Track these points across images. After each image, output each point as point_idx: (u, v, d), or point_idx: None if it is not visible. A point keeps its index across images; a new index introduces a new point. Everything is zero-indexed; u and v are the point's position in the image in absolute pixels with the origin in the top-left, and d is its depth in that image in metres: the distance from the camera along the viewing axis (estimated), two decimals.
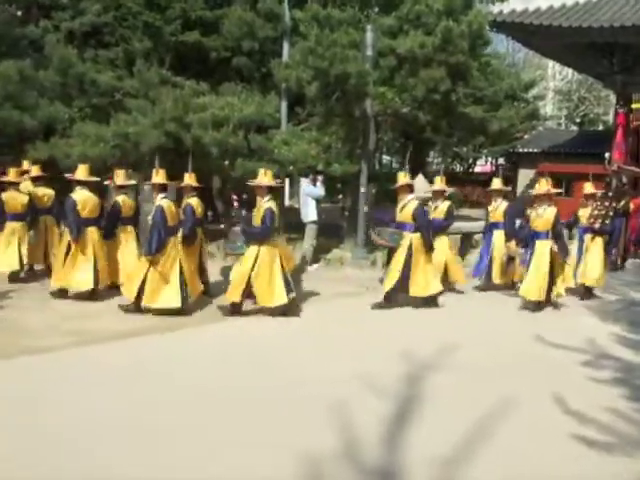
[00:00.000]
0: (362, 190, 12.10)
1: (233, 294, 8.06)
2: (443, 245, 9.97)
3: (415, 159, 17.49)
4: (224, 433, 4.64)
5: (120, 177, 9.60)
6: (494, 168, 36.40)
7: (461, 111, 14.18)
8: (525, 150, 26.39)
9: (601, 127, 36.15)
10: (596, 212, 10.44)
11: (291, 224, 12.83)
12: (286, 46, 13.00)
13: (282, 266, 8.13)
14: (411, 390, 5.64)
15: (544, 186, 9.30)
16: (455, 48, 11.22)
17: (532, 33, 21.90)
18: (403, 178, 9.21)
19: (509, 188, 11.59)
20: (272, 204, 8.08)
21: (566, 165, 21.95)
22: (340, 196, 17.96)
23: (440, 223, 10.04)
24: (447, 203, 10.38)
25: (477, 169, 38.09)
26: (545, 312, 9.13)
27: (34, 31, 14.88)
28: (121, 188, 9.56)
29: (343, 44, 10.88)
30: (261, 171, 8.43)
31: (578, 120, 40.32)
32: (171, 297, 8.05)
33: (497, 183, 10.86)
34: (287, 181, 16.65)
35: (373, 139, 12.93)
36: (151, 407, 5.03)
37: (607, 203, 10.69)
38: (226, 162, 11.71)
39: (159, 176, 8.48)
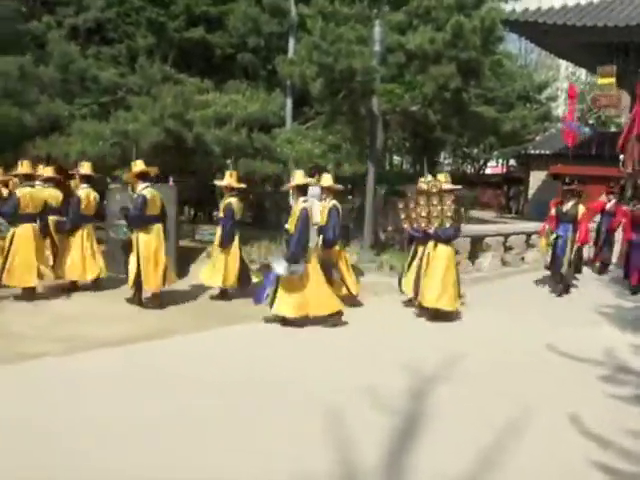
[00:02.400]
0: (369, 191, 11.67)
1: None
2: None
3: (426, 159, 17.05)
4: (218, 441, 4.36)
5: (85, 167, 9.32)
6: (505, 170, 35.96)
7: (472, 110, 13.76)
8: (537, 152, 25.94)
9: (614, 129, 35.57)
10: (431, 212, 8.37)
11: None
12: (292, 42, 12.66)
13: None
14: (416, 404, 5.24)
15: None
16: (466, 44, 10.81)
17: (545, 32, 21.51)
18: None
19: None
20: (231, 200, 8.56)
21: (579, 167, 21.46)
22: (350, 197, 17.61)
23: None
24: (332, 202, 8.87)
25: (488, 171, 37.62)
26: (559, 318, 8.71)
27: (37, 27, 14.59)
28: (84, 179, 9.26)
29: (349, 39, 10.50)
30: (227, 172, 8.65)
31: (591, 122, 39.73)
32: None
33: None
34: None
35: (381, 139, 12.54)
36: (142, 416, 4.66)
37: (447, 201, 8.38)
38: (228, 161, 11.32)
39: (138, 165, 8.47)
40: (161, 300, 8.43)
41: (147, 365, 6.01)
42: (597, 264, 13.68)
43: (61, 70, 13.00)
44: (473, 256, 11.87)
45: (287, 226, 7.81)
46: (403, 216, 8.79)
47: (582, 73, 41.44)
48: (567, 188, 11.18)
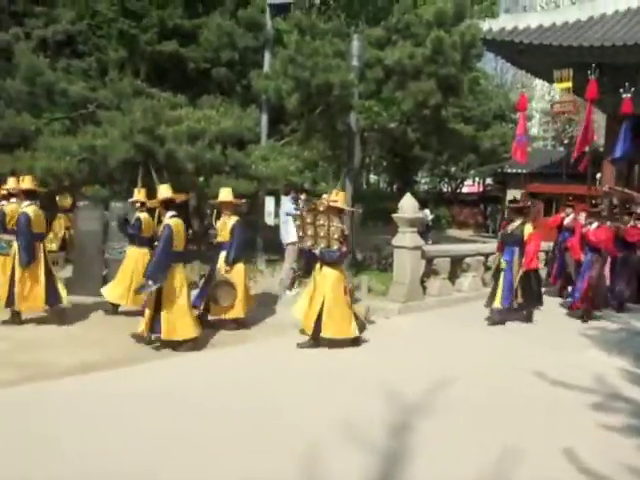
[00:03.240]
0: (347, 210, 11.26)
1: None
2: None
3: (403, 178, 16.85)
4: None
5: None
6: (482, 188, 36.00)
7: (452, 127, 13.54)
8: (513, 170, 25.95)
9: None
10: (318, 232, 7.64)
11: (273, 245, 12.07)
12: (267, 57, 12.35)
13: None
14: (399, 440, 4.85)
15: None
16: (446, 59, 10.58)
17: (521, 52, 21.51)
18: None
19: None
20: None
21: (555, 185, 21.42)
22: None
23: None
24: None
25: (464, 189, 37.63)
26: (547, 341, 8.40)
27: (3, 38, 14.12)
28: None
29: (327, 53, 10.22)
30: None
31: (566, 141, 40.05)
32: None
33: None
34: (268, 199, 15.87)
35: (358, 156, 12.24)
36: (102, 452, 4.22)
37: (334, 221, 7.60)
38: (201, 178, 10.91)
39: (25, 182, 8.22)
40: None
41: (102, 394, 5.56)
42: (557, 285, 12.41)
43: (28, 83, 12.52)
44: (453, 276, 11.55)
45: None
46: (300, 233, 7.94)
47: (556, 93, 41.85)
48: (512, 206, 10.16)
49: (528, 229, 9.66)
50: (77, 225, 10.83)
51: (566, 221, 12.43)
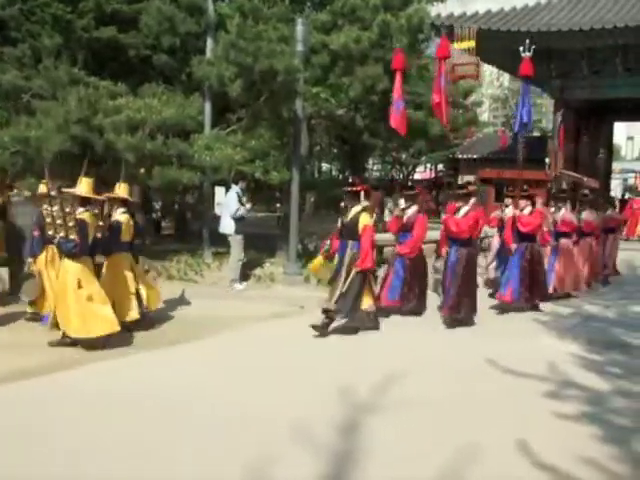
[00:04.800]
0: (294, 199, 11.00)
1: None
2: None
3: (354, 165, 16.63)
4: None
5: None
6: (433, 175, 36.12)
7: None
8: (465, 156, 26.07)
9: (537, 134, 36.33)
10: (55, 219, 6.93)
11: (222, 236, 11.70)
12: (210, 43, 11.94)
13: None
14: (351, 439, 4.61)
15: None
16: (393, 44, 10.34)
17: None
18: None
19: None
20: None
21: (506, 171, 21.53)
22: (278, 205, 16.96)
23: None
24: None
25: (417, 176, 37.68)
26: (497, 330, 8.28)
27: None
28: None
29: (270, 38, 9.86)
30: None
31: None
32: None
33: None
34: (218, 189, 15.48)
35: (306, 144, 11.91)
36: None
37: (68, 209, 6.92)
38: (142, 170, 10.47)
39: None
40: None
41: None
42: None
43: None
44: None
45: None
46: (48, 220, 7.17)
47: (506, 79, 42.33)
48: (348, 190, 8.14)
49: (364, 219, 7.85)
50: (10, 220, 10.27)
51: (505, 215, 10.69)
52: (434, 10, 20.26)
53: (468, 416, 5.20)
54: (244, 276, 11.02)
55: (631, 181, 33.53)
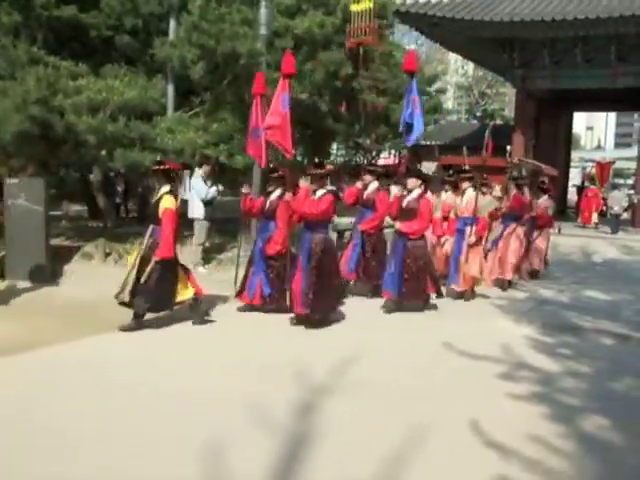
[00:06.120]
0: (255, 184, 10.87)
1: None
2: None
3: (317, 150, 16.63)
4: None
5: None
6: (397, 161, 36.29)
7: (363, 98, 13.39)
8: (427, 143, 26.27)
9: (499, 121, 36.78)
10: None
11: (187, 220, 11.64)
12: (173, 24, 11.81)
13: None
14: (304, 421, 4.70)
15: None
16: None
17: (435, 25, 21.62)
18: None
19: None
20: None
21: (468, 158, 21.80)
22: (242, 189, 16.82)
23: None
24: None
25: (381, 162, 37.82)
26: (454, 314, 8.45)
27: None
28: None
29: (233, 21, 9.80)
30: None
31: (478, 114, 40.97)
32: None
33: None
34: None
35: None
36: None
37: None
38: (103, 152, 10.36)
39: None
40: None
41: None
42: None
43: None
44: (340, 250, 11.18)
45: None
46: None
47: (470, 68, 42.67)
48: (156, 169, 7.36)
49: (166, 202, 6.93)
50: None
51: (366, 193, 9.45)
52: None
53: (422, 397, 5.34)
54: (206, 260, 11.02)
55: (589, 170, 34.22)
